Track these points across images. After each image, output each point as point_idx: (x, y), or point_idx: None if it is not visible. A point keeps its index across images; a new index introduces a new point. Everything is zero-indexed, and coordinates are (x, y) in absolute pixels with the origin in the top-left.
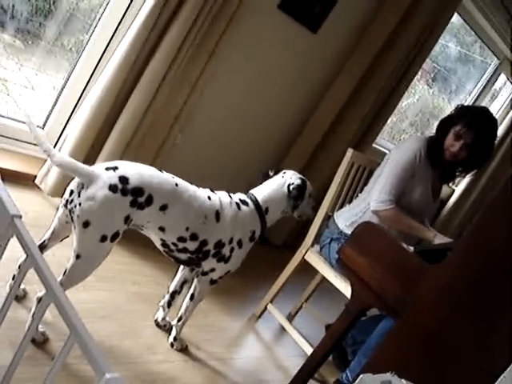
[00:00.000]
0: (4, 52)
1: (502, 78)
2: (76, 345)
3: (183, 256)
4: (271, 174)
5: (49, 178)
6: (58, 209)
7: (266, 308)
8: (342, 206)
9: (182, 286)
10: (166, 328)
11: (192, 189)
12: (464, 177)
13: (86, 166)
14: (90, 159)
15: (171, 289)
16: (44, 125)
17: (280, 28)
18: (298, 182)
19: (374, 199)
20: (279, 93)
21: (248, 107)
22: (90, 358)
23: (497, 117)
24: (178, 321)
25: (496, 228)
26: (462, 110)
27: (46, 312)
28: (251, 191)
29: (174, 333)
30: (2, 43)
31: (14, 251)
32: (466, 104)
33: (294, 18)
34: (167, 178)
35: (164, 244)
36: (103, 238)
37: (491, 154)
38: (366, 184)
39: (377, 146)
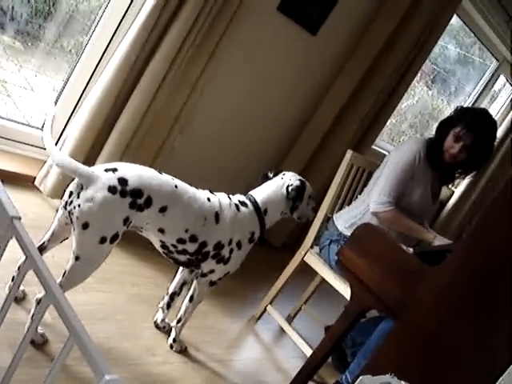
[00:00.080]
0: (4, 53)
1: (502, 79)
2: (75, 346)
3: (183, 257)
4: (271, 175)
5: (48, 180)
6: (57, 210)
7: (265, 309)
8: (341, 208)
9: (181, 288)
10: (165, 329)
11: (191, 190)
12: (464, 178)
13: (85, 167)
14: (89, 160)
15: (170, 290)
16: (43, 126)
17: (279, 30)
18: (297, 183)
19: (373, 201)
20: (279, 94)
21: (248, 108)
22: (89, 360)
23: (496, 118)
24: (178, 322)
25: (496, 229)
26: (461, 112)
27: (46, 313)
28: (250, 192)
29: (173, 334)
30: (2, 45)
31: (14, 253)
32: (465, 106)
33: (294, 20)
34: (167, 179)
35: (163, 246)
36: (102, 240)
37: (491, 156)
38: (365, 185)
39: (376, 148)
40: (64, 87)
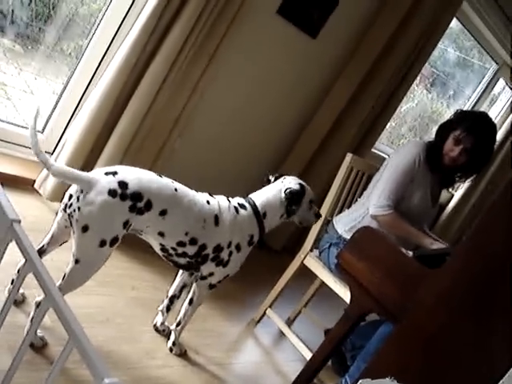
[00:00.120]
0: (4, 56)
1: (501, 82)
2: (75, 349)
3: (182, 260)
4: (272, 179)
5: (48, 183)
6: (57, 213)
7: (265, 313)
8: (341, 211)
9: (181, 291)
10: (164, 333)
11: (191, 193)
12: (463, 182)
13: (84, 173)
14: (89, 164)
15: (170, 293)
16: (43, 129)
17: (279, 33)
18: (296, 187)
19: (372, 204)
20: (279, 97)
21: (248, 111)
22: (88, 363)
23: (496, 121)
24: (177, 325)
25: (495, 232)
26: (461, 115)
27: (45, 317)
28: (250, 196)
29: (172, 337)
30: (2, 48)
31: (13, 256)
32: (464, 109)
33: (293, 23)
34: (166, 182)
35: (163, 248)
36: (102, 243)
37: (490, 159)
38: (365, 189)
39: (376, 151)
40: (64, 90)
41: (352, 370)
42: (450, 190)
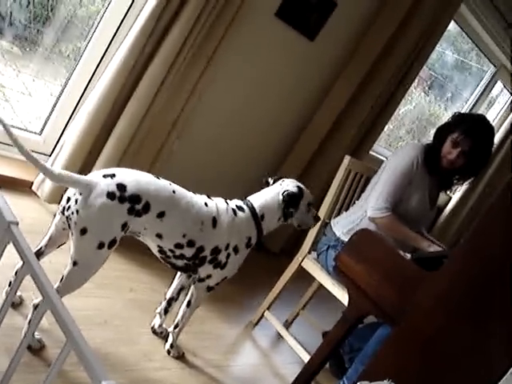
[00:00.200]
0: (2, 58)
1: (499, 85)
2: (72, 352)
3: (180, 262)
4: (271, 181)
5: (45, 185)
6: (54, 215)
7: (263, 315)
8: (339, 213)
9: (179, 293)
10: (162, 335)
11: (189, 195)
12: (461, 184)
13: (82, 177)
14: (87, 166)
15: (168, 296)
16: (41, 131)
17: (277, 35)
18: (294, 189)
19: (370, 206)
20: (277, 99)
21: (246, 113)
22: (86, 366)
23: (493, 124)
24: (175, 328)
25: (493, 235)
26: (459, 118)
27: (43, 319)
28: (248, 198)
29: (170, 340)
30: (0, 50)
31: (11, 258)
32: (462, 111)
33: (292, 26)
34: (164, 184)
35: (161, 250)
36: (100, 245)
37: (488, 162)
38: (363, 191)
39: (374, 153)
40: (62, 92)
41: (350, 372)
42: (448, 192)
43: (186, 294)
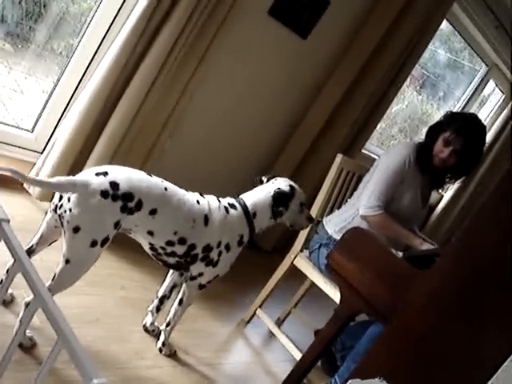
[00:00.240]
0: None
1: (491, 84)
2: (64, 350)
3: (171, 260)
4: (265, 180)
5: None
6: (46, 213)
7: (255, 313)
8: (331, 212)
9: (171, 291)
10: (154, 333)
11: (181, 193)
12: (453, 183)
13: (78, 179)
14: (78, 164)
15: (160, 293)
16: (33, 129)
17: (270, 34)
18: (286, 188)
19: (362, 204)
20: (270, 98)
21: (238, 112)
22: (77, 363)
23: (485, 123)
24: (167, 326)
25: (485, 234)
26: (451, 117)
27: (34, 317)
28: (241, 196)
29: (162, 338)
30: None
31: (2, 256)
32: (454, 110)
33: (284, 24)
34: (156, 182)
35: (152, 248)
36: (93, 243)
37: (480, 161)
38: (355, 189)
39: (366, 152)
40: (54, 89)
41: (342, 370)
42: (440, 191)
43: (178, 292)
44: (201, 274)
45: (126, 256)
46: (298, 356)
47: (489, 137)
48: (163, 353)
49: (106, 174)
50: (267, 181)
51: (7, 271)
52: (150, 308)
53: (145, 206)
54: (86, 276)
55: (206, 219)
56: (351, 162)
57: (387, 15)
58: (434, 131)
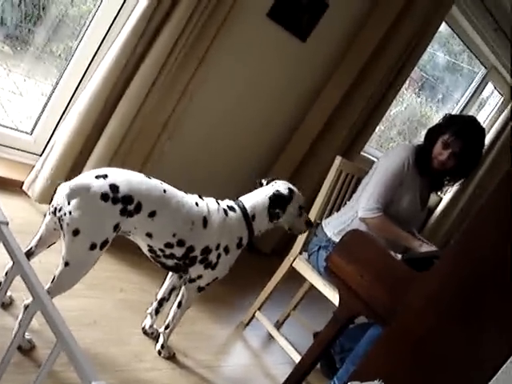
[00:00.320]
0: None
1: (490, 87)
2: (62, 352)
3: (170, 262)
4: (264, 183)
5: (36, 185)
6: (45, 215)
7: (254, 315)
8: (330, 214)
9: (170, 294)
10: (153, 335)
11: (180, 195)
12: (452, 185)
13: (82, 183)
14: (77, 166)
15: (159, 296)
16: (32, 131)
17: (269, 36)
18: (284, 191)
19: (361, 207)
20: (269, 99)
21: (238, 114)
22: (76, 366)
23: (484, 126)
24: (166, 328)
25: (484, 235)
26: (449, 119)
27: (33, 319)
28: (240, 198)
29: (161, 340)
30: None
31: (1, 258)
32: (453, 113)
33: (283, 27)
34: (155, 184)
35: (151, 250)
36: (93, 246)
37: (479, 163)
38: (354, 192)
39: (365, 154)
40: (53, 92)
41: (341, 372)
42: (439, 193)
43: (177, 295)
44: (200, 277)
45: (124, 258)
46: (297, 358)
47: (488, 139)
48: (162, 355)
49: (105, 176)
50: (267, 184)
51: (6, 274)
52: (148, 310)
53: (144, 209)
54: (84, 278)
55: (205, 221)
56: (350, 164)
57: (386, 18)
58: (433, 134)
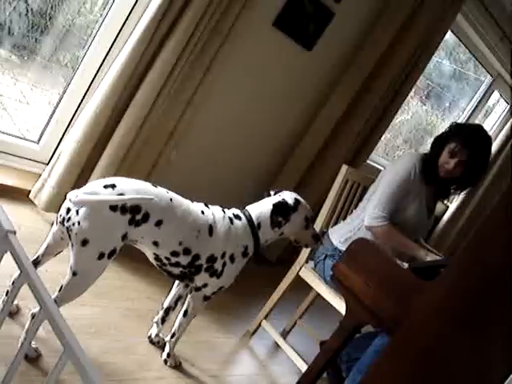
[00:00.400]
0: (0, 67)
1: (496, 95)
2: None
3: (176, 270)
4: (272, 193)
5: (43, 193)
6: (52, 224)
7: (260, 324)
8: (336, 223)
9: (176, 302)
10: (159, 344)
11: (186, 203)
12: (459, 194)
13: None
14: (84, 174)
15: (165, 305)
16: (39, 140)
17: (275, 45)
18: (290, 201)
19: (368, 215)
20: (275, 109)
21: (244, 122)
22: (82, 375)
23: (490, 134)
24: (172, 337)
25: (491, 244)
26: (456, 128)
27: (40, 328)
28: (247, 207)
29: (167, 349)
30: None
31: (8, 267)
32: (459, 121)
33: (289, 36)
34: (162, 193)
35: (157, 258)
36: (101, 256)
37: (485, 171)
38: (360, 200)
39: (371, 162)
40: (60, 101)
41: (347, 381)
42: (445, 202)
43: (184, 304)
44: (205, 285)
45: (131, 267)
46: (304, 368)
47: (494, 147)
48: (168, 364)
49: (113, 186)
50: (274, 194)
51: (13, 283)
52: (155, 319)
53: (151, 218)
54: (91, 287)
55: (211, 229)
56: (356, 172)
57: (392, 27)
58: (440, 142)
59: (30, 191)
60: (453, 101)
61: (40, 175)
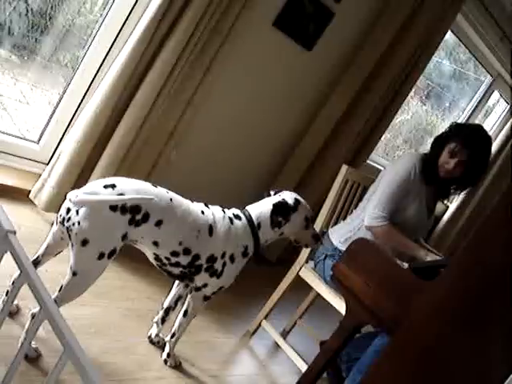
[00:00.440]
0: (0, 67)
1: (496, 95)
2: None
3: (176, 270)
4: (272, 193)
5: (43, 193)
6: (52, 224)
7: (260, 324)
8: (336, 223)
9: (176, 303)
10: (159, 344)
11: (186, 203)
12: (459, 194)
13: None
14: (84, 174)
15: (165, 305)
16: (39, 140)
17: (275, 45)
18: (290, 201)
19: (368, 215)
20: (274, 109)
21: (244, 122)
22: (82, 375)
23: (490, 134)
24: (172, 337)
25: (491, 244)
26: (456, 128)
27: (39, 327)
28: (247, 207)
29: (167, 349)
30: None
31: (8, 266)
32: (459, 121)
33: (289, 36)
34: (162, 193)
35: (157, 258)
36: (101, 256)
37: (485, 171)
38: (360, 200)
39: (371, 162)
40: (60, 101)
41: (347, 381)
42: (446, 201)
43: (184, 304)
44: (205, 285)
45: (131, 267)
46: (304, 368)
47: (494, 147)
48: (168, 364)
49: (113, 186)
50: (275, 194)
51: (13, 283)
52: (155, 319)
53: (151, 218)
54: (91, 287)
55: (211, 229)
56: (356, 172)
57: (392, 27)
58: (440, 142)
59: (29, 191)
60: (453, 101)
61: (40, 175)
